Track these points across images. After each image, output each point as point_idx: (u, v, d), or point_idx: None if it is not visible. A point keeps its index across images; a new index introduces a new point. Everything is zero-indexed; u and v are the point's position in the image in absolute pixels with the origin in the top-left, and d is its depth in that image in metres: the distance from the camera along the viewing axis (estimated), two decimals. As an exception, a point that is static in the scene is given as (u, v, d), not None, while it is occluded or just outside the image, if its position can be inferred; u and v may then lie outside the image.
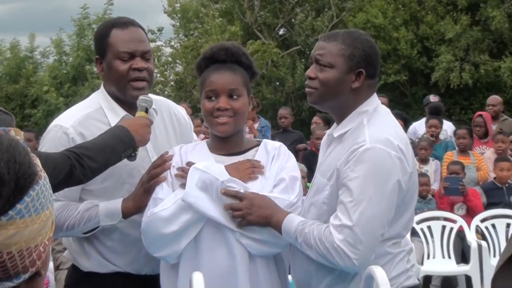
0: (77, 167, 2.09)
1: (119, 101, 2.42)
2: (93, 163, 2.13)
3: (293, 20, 19.71)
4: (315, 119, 8.21)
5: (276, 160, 2.29)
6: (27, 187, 0.90)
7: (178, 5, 21.93)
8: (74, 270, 2.48)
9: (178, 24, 22.21)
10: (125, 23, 2.40)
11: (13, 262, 0.90)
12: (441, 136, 7.68)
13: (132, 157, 2.26)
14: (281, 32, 20.74)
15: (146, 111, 2.34)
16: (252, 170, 2.25)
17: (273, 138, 6.73)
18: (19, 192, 0.89)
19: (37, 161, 0.95)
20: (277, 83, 19.19)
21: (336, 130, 2.23)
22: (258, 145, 2.37)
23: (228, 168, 2.23)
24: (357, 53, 2.17)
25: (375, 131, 2.11)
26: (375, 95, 2.25)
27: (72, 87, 20.75)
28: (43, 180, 0.94)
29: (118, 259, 2.40)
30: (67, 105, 17.92)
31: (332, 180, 2.14)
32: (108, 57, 2.37)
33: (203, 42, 18.62)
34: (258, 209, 2.15)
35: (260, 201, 2.16)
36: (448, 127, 8.04)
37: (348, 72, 2.17)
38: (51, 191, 0.97)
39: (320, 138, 7.10)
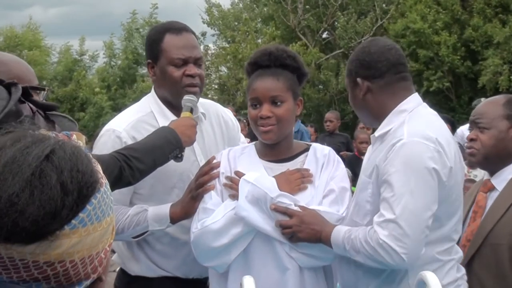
0: (126, 169, 2.08)
1: (169, 105, 2.43)
2: (141, 164, 2.13)
3: (336, 23, 19.53)
4: (361, 124, 8.14)
5: (325, 169, 2.26)
6: (89, 196, 0.89)
7: (216, 12, 21.90)
8: (123, 273, 2.51)
9: (217, 32, 22.18)
10: (179, 28, 2.40)
11: (76, 270, 0.89)
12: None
13: (178, 158, 2.25)
14: (324, 35, 20.56)
15: (191, 111, 2.34)
16: (302, 181, 2.23)
17: (320, 141, 6.68)
18: (81, 201, 0.88)
19: (98, 168, 0.94)
20: (321, 86, 19.05)
21: (377, 131, 2.24)
22: (307, 149, 2.33)
23: (278, 179, 2.20)
24: (352, 66, 2.26)
25: (414, 126, 2.10)
26: (415, 96, 2.23)
27: (119, 90, 21.06)
28: (104, 187, 0.93)
29: (167, 263, 2.42)
30: (114, 108, 18.25)
31: (372, 177, 2.12)
32: (161, 62, 2.38)
33: (244, 46, 18.62)
34: (308, 226, 2.14)
35: (309, 218, 2.15)
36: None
37: (354, 86, 2.25)
38: (112, 198, 0.96)
39: (363, 142, 7.02)
